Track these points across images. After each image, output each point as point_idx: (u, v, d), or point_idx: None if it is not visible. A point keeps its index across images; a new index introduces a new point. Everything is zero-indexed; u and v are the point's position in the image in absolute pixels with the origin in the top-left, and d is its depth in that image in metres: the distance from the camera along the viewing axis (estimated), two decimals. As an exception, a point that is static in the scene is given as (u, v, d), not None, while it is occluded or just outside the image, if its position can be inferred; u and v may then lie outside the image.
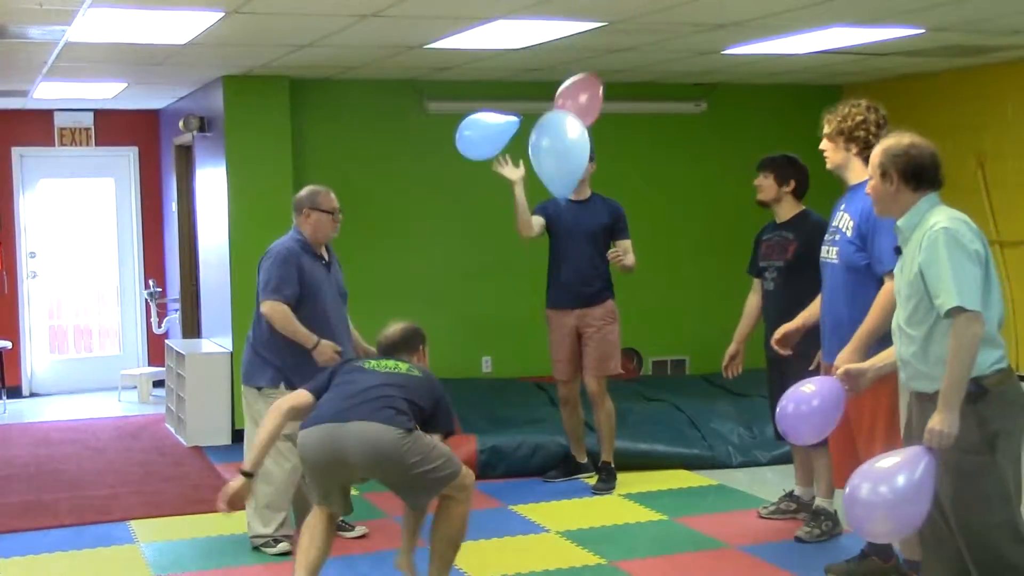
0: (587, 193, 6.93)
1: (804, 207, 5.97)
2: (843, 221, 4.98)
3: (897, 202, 3.94)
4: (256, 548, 5.85)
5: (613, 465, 6.95)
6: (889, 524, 3.70)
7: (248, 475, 4.67)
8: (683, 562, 5.64)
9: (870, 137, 4.90)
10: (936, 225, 3.78)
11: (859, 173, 4.92)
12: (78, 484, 7.31)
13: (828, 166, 5.11)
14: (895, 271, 4.02)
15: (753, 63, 8.28)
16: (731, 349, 6.12)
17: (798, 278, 5.69)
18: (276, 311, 5.65)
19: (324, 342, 5.64)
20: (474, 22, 6.31)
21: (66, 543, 6.08)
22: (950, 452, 3.71)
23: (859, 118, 4.97)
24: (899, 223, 3.95)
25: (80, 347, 11.23)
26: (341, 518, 5.97)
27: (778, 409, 4.18)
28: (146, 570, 5.66)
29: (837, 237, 5.01)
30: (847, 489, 3.74)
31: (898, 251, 3.98)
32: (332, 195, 5.88)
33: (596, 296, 6.85)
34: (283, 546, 5.74)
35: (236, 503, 4.70)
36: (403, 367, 4.81)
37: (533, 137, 5.83)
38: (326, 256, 5.92)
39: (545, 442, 7.31)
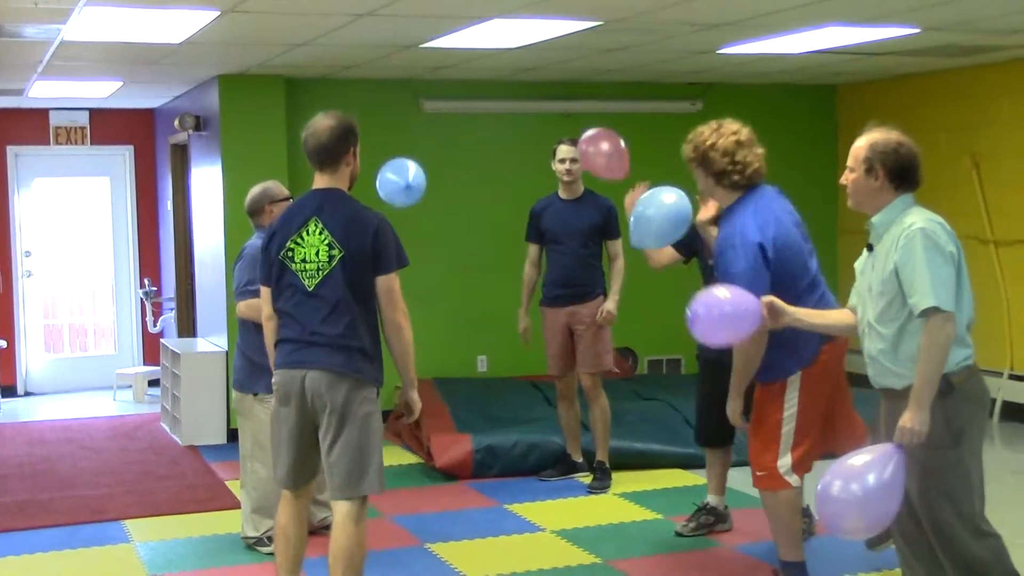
0: (580, 191, 6.93)
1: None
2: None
3: (876, 198, 3.97)
4: (250, 547, 5.86)
5: (607, 464, 6.95)
6: (861, 521, 3.73)
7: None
8: (678, 561, 5.64)
9: (718, 165, 4.97)
10: (913, 225, 3.82)
11: (725, 199, 4.97)
12: (73, 483, 7.31)
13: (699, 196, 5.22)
14: (861, 268, 4.05)
15: (749, 62, 8.29)
16: None
17: None
18: (251, 307, 5.61)
19: None
20: (470, 21, 6.31)
21: (61, 542, 6.08)
22: (917, 448, 3.76)
23: (704, 148, 5.04)
24: (873, 220, 3.98)
25: (75, 346, 11.22)
26: (322, 517, 5.98)
27: (689, 313, 4.10)
28: (141, 570, 5.66)
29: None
30: (819, 486, 3.76)
31: (869, 248, 4.01)
32: (280, 184, 5.96)
33: (587, 294, 6.86)
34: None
35: None
36: (323, 255, 4.40)
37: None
38: None
39: (540, 441, 7.31)
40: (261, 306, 5.44)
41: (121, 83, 8.87)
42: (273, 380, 4.57)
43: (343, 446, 4.41)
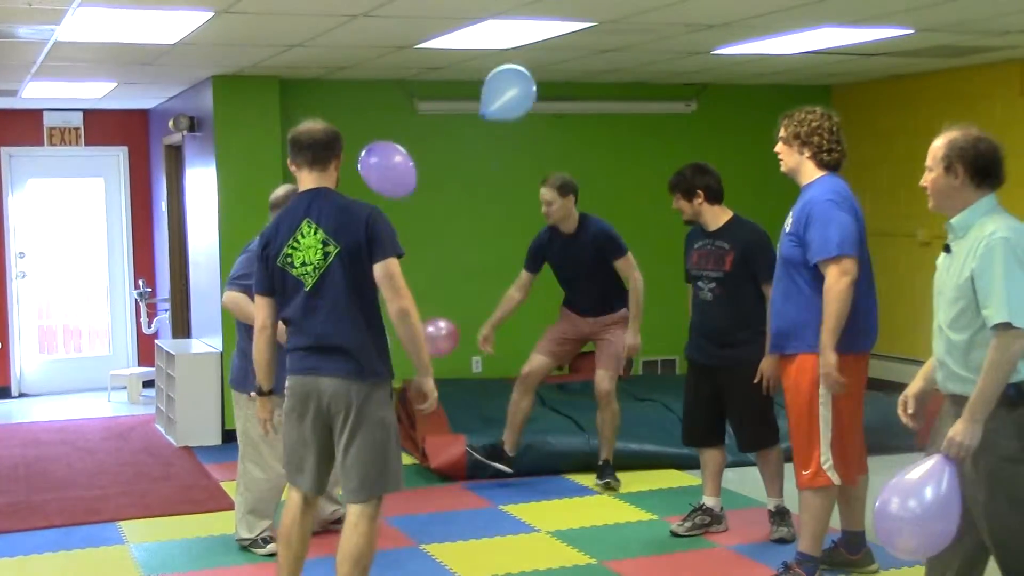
0: (573, 227, 6.97)
1: (732, 214, 5.89)
2: (788, 220, 5.04)
3: (957, 198, 3.80)
4: (244, 549, 5.86)
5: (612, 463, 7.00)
6: (917, 540, 3.62)
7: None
8: (673, 562, 5.65)
9: (824, 143, 4.97)
10: (995, 233, 3.65)
11: (809, 175, 5.00)
12: (67, 485, 7.30)
13: (782, 169, 5.13)
14: (940, 269, 3.91)
15: (743, 63, 8.30)
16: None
17: (741, 288, 5.69)
18: (233, 302, 5.62)
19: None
20: (464, 22, 6.31)
21: (55, 544, 6.07)
22: (986, 457, 3.65)
23: (815, 124, 5.00)
24: (952, 221, 3.81)
25: (69, 347, 11.20)
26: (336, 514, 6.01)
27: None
28: (136, 570, 5.65)
29: (782, 235, 5.07)
30: (876, 503, 3.66)
31: (946, 249, 3.86)
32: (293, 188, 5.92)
33: (608, 311, 6.95)
34: (272, 547, 5.73)
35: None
36: (318, 254, 4.38)
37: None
38: None
39: (535, 442, 7.30)
40: (242, 303, 5.50)
41: (115, 84, 8.86)
42: (287, 386, 4.55)
43: (359, 449, 4.39)
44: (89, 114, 10.77)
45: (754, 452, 5.92)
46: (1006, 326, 3.57)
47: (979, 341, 3.68)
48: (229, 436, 8.48)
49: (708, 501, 6.02)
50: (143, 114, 11.03)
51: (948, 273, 3.82)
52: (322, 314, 4.39)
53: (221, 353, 8.46)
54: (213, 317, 8.68)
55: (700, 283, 5.89)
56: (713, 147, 9.62)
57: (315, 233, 4.40)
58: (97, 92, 9.36)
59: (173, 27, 6.22)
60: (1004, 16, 6.45)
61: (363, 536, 4.45)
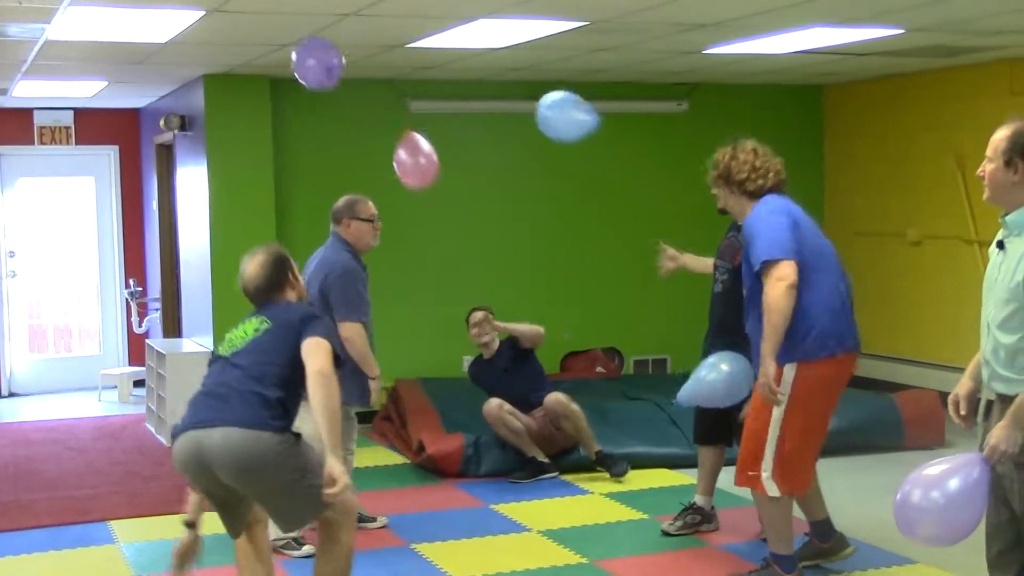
0: (495, 348, 7.43)
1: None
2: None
3: (1015, 193, 3.67)
4: (276, 549, 5.80)
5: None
6: (938, 529, 3.55)
7: None
8: (664, 561, 5.65)
9: (742, 175, 5.05)
10: None
11: (743, 209, 5.07)
12: (58, 484, 7.28)
13: (720, 209, 5.25)
14: (991, 265, 3.80)
15: (734, 63, 8.31)
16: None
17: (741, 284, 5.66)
18: (355, 332, 5.69)
19: (377, 380, 5.82)
20: (456, 21, 6.31)
21: (46, 544, 6.06)
22: None
23: (728, 162, 5.10)
24: (1008, 218, 3.71)
25: (60, 347, 11.18)
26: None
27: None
28: (126, 570, 5.65)
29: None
30: (897, 494, 3.58)
31: (999, 245, 3.76)
32: (370, 203, 5.99)
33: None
34: (308, 548, 5.71)
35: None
36: (262, 327, 4.24)
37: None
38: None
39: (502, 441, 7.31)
40: (363, 334, 5.66)
41: (106, 83, 8.84)
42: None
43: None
44: (80, 113, 10.75)
45: None
46: None
47: None
48: (220, 436, 8.47)
49: (699, 500, 6.02)
50: (134, 113, 11.01)
51: (1000, 271, 3.70)
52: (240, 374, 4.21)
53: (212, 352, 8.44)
54: (204, 316, 8.67)
55: (716, 273, 5.83)
56: (704, 146, 9.53)
57: (257, 320, 4.31)
58: (88, 91, 9.34)
59: (164, 26, 6.22)
60: (993, 16, 6.47)
61: (345, 552, 4.33)
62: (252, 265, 4.38)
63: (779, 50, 7.60)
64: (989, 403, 3.82)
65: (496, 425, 7.13)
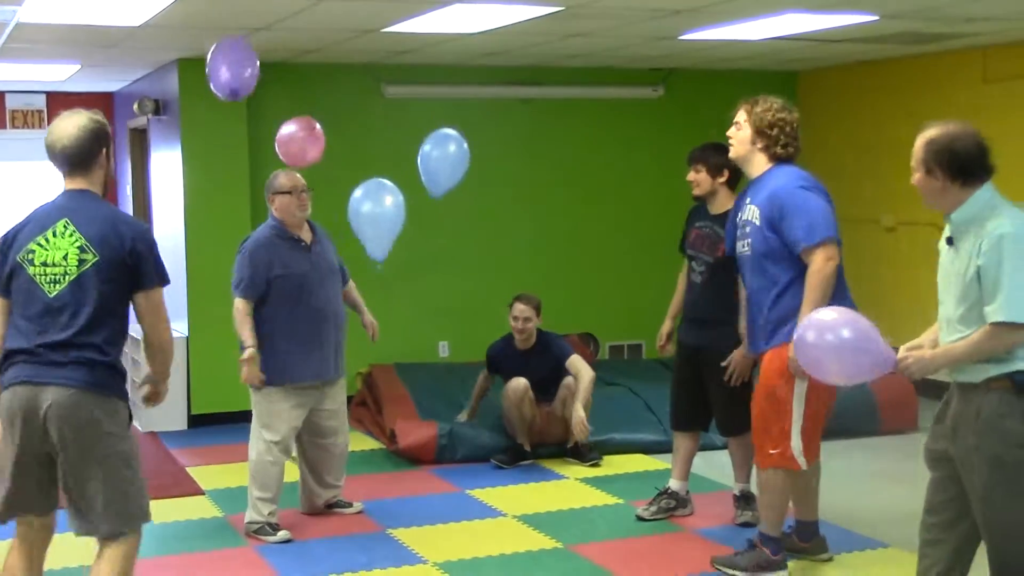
0: (531, 342, 7.27)
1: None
2: (751, 213, 4.96)
3: (946, 197, 3.75)
4: (251, 534, 5.79)
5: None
6: (839, 366, 3.80)
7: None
8: (639, 546, 5.68)
9: (782, 136, 4.92)
10: (999, 229, 3.61)
11: (760, 166, 4.96)
12: (31, 470, 7.23)
13: (731, 154, 5.10)
14: (944, 261, 3.86)
15: (710, 49, 8.32)
16: (664, 327, 6.10)
17: (730, 276, 5.54)
18: (235, 306, 5.73)
19: (250, 352, 5.64)
20: (431, 6, 6.29)
21: (9, 531, 6.01)
22: (991, 443, 3.65)
23: (778, 115, 4.94)
24: (952, 216, 3.77)
25: (33, 332, 11.09)
26: (332, 498, 6.04)
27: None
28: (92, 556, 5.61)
29: (748, 229, 4.98)
30: (797, 332, 3.89)
31: (949, 241, 3.82)
32: (294, 174, 5.90)
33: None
34: (283, 534, 5.72)
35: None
36: (73, 258, 3.91)
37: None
38: (309, 237, 5.91)
39: (504, 426, 7.31)
40: (239, 309, 5.65)
41: (79, 66, 8.78)
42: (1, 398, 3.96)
43: (96, 480, 3.93)
44: (52, 96, 10.65)
45: (733, 437, 5.85)
46: (1009, 326, 3.57)
47: None
48: (195, 421, 8.45)
49: (674, 485, 6.05)
50: (107, 97, 10.94)
51: (953, 267, 3.77)
52: (61, 322, 3.90)
53: (187, 338, 8.41)
54: (178, 302, 8.63)
55: (694, 264, 5.82)
56: (680, 132, 9.64)
57: (70, 236, 3.95)
58: (61, 74, 9.27)
59: (138, 8, 6.17)
60: (967, 3, 6.50)
61: (128, 556, 4.13)
62: (66, 122, 4.09)
63: (754, 36, 7.62)
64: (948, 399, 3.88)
65: (512, 405, 7.02)
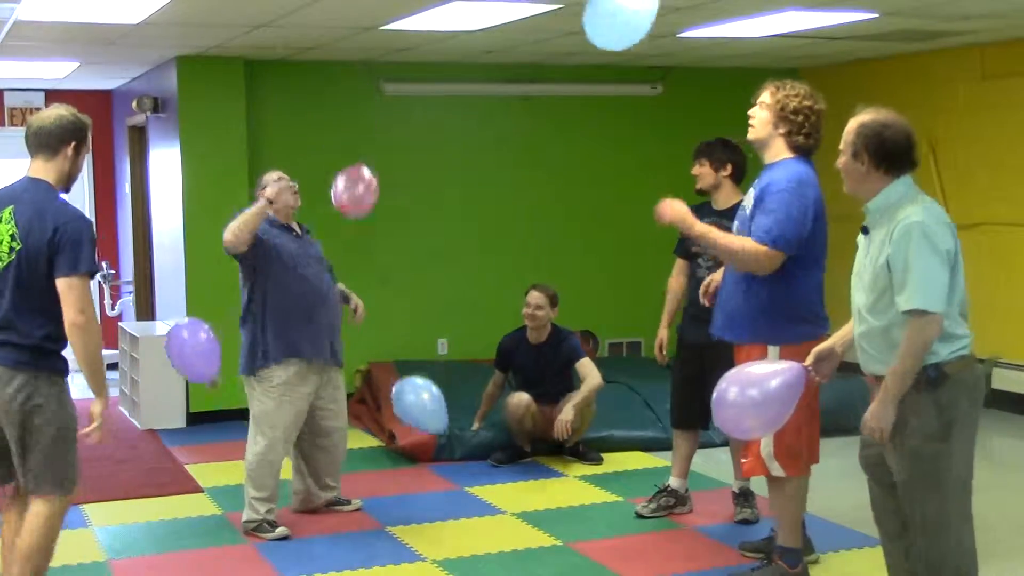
0: (545, 335, 7.21)
1: (744, 195, 5.85)
2: (748, 199, 4.85)
3: (867, 183, 3.80)
4: (249, 532, 5.79)
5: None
6: (755, 421, 3.82)
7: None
8: (638, 543, 5.68)
9: (805, 124, 4.71)
10: (909, 218, 3.65)
11: (777, 153, 4.75)
12: (30, 468, 7.24)
13: (749, 136, 4.84)
14: (859, 251, 3.90)
15: (709, 46, 8.32)
16: (661, 335, 6.03)
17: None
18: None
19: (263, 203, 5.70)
20: (431, 3, 6.28)
21: (18, 527, 6.02)
22: (908, 437, 3.69)
23: (804, 103, 4.71)
24: (868, 204, 3.81)
25: (32, 329, 11.08)
26: (332, 496, 6.04)
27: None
28: (99, 553, 5.63)
29: (740, 214, 4.90)
30: (715, 394, 3.82)
31: (864, 230, 3.86)
32: (274, 172, 6.00)
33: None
34: (281, 530, 5.72)
35: None
36: (5, 246, 4.18)
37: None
38: (298, 230, 5.98)
39: (503, 423, 7.31)
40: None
41: (78, 64, 8.77)
42: None
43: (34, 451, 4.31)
44: (51, 94, 10.65)
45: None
46: (920, 313, 3.59)
47: (898, 324, 3.69)
48: (194, 419, 8.45)
49: (674, 482, 6.05)
50: (106, 95, 10.93)
51: (867, 256, 3.81)
52: None
53: (186, 335, 8.41)
54: (177, 299, 8.63)
55: (700, 260, 5.75)
56: (679, 130, 9.65)
57: (8, 223, 4.20)
58: (59, 72, 9.27)
59: (137, 6, 6.17)
60: (964, 1, 6.50)
61: (50, 526, 4.38)
62: (51, 113, 4.33)
63: (753, 34, 7.62)
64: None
65: (513, 417, 7.01)
